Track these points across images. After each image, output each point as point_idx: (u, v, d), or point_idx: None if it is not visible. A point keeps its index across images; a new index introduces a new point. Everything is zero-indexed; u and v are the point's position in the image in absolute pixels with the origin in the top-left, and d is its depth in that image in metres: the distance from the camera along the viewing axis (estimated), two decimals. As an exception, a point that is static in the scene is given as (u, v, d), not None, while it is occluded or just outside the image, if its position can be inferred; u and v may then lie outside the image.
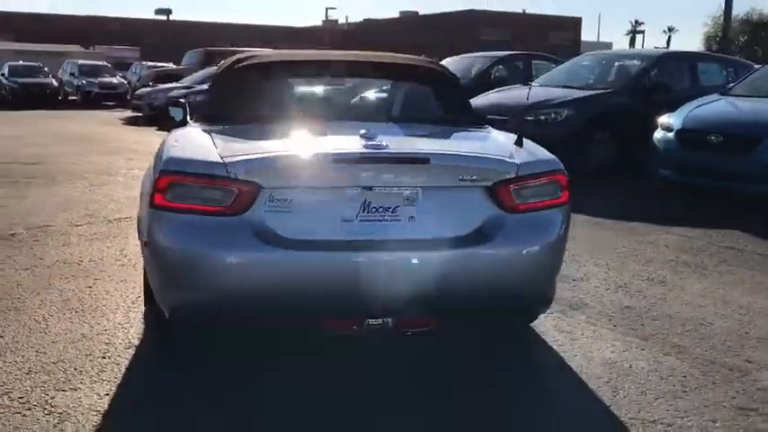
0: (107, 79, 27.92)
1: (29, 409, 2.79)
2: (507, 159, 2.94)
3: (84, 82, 28.05)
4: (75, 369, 3.14)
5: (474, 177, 2.85)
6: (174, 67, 25.98)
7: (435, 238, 2.82)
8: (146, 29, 40.88)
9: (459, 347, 3.57)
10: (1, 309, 3.86)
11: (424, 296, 2.79)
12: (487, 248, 2.83)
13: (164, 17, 40.69)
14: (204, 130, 3.30)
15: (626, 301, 4.24)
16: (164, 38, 35.99)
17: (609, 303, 4.20)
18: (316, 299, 2.74)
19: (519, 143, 3.19)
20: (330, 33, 63.48)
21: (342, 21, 75.71)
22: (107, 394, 2.93)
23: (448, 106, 3.87)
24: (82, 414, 2.76)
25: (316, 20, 72.08)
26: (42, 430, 2.63)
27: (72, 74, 29.61)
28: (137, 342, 3.46)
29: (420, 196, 2.83)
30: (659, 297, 4.33)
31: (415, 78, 4.00)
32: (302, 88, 4.17)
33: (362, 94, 4.40)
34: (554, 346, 3.56)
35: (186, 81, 18.50)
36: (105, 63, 30.92)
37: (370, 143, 2.85)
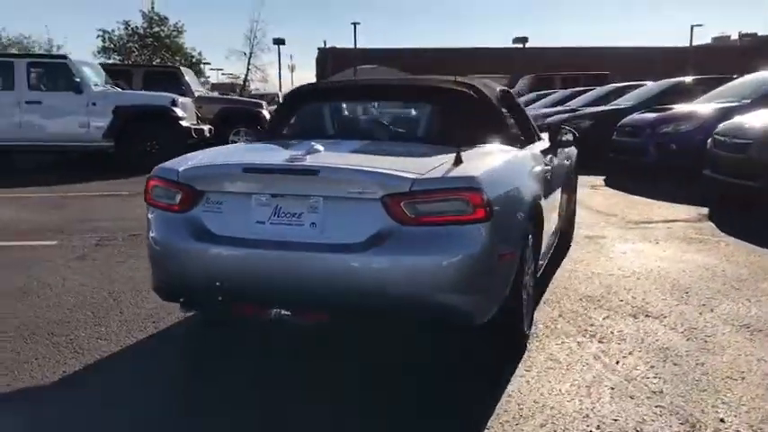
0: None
1: (56, 345, 3.81)
2: (401, 174, 3.07)
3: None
4: (123, 325, 4.11)
5: (361, 190, 3.07)
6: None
7: (331, 243, 3.11)
8: (502, 56, 43.27)
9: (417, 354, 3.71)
10: (133, 287, 5.04)
11: (314, 293, 3.11)
12: (375, 256, 3.02)
13: (520, 45, 42.48)
14: (227, 145, 4.03)
15: (674, 343, 3.79)
16: (520, 64, 37.60)
17: (648, 343, 3.81)
18: (229, 287, 3.26)
19: (457, 162, 3.26)
20: (720, 52, 58.26)
21: (734, 37, 69.36)
22: (120, 340, 3.84)
23: (455, 125, 3.96)
24: (86, 354, 3.69)
25: (680, 40, 66.58)
26: (43, 354, 3.62)
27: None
28: (183, 316, 4.27)
29: (322, 205, 3.15)
30: (721, 344, 3.77)
31: (433, 100, 4.16)
32: (344, 110, 4.58)
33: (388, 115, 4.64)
34: (519, 372, 3.45)
35: (572, 104, 16.74)
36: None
37: (294, 156, 3.27)
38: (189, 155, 3.84)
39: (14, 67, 12.30)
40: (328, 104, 4.49)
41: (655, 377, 3.37)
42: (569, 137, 4.86)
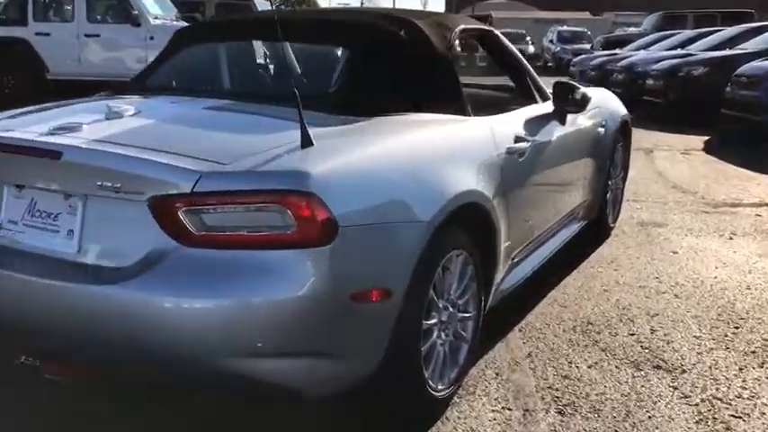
0: (581, 46, 27.69)
1: None
2: (179, 165, 1.92)
3: (558, 48, 28.50)
4: None
5: (119, 185, 1.95)
6: (631, 32, 24.38)
7: (88, 264, 2.05)
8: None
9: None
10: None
11: (64, 337, 2.06)
12: (138, 291, 1.91)
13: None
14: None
15: (674, 426, 2.48)
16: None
17: (636, 421, 2.52)
18: None
19: (305, 144, 2.07)
20: None
21: None
22: None
23: (363, 81, 2.67)
24: None
25: None
26: None
27: (551, 41, 30.31)
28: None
29: (82, 205, 2.07)
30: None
31: (346, 44, 2.88)
32: (232, 56, 3.37)
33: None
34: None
35: (694, 47, 13.91)
36: (585, 30, 30.73)
37: (62, 126, 2.21)
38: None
39: (74, -3, 11.83)
40: (219, 48, 3.32)
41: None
42: (578, 97, 3.45)
